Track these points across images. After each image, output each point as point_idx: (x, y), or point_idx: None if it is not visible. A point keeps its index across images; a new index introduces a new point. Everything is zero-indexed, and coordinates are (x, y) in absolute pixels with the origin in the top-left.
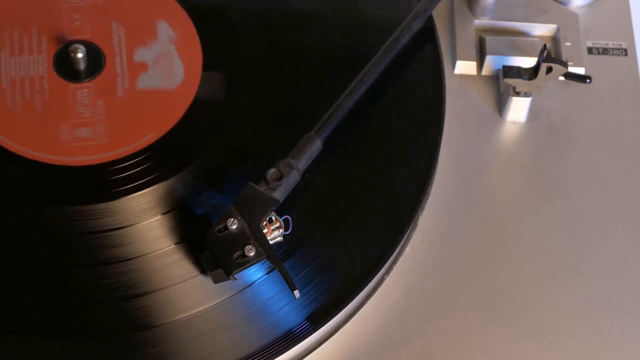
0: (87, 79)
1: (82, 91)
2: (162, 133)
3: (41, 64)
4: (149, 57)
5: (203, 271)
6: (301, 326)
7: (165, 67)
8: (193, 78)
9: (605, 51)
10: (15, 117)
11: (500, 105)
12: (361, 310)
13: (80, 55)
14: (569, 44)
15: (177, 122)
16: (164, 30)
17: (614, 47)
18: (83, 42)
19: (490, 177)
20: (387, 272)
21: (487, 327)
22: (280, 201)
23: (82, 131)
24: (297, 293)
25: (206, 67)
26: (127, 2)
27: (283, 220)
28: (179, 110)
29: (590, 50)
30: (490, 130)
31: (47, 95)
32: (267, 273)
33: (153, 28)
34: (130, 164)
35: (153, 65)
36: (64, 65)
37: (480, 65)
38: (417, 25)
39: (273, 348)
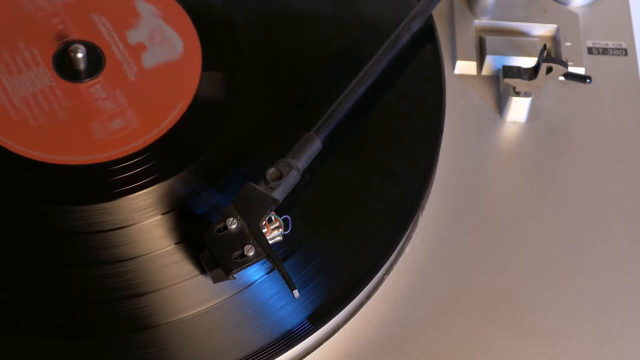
0: (95, 75)
1: (96, 87)
2: (189, 101)
3: (44, 74)
4: (143, 36)
5: (203, 271)
6: (301, 326)
7: (162, 40)
8: (192, 42)
9: (605, 51)
10: (43, 130)
11: (500, 105)
12: (361, 310)
13: (80, 55)
14: (569, 44)
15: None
16: (144, 7)
17: (614, 47)
18: (77, 42)
19: (490, 177)
20: (387, 272)
21: (487, 327)
22: (280, 201)
23: (113, 124)
24: (296, 293)
25: (206, 66)
26: None
27: (282, 220)
28: (193, 76)
29: (590, 50)
30: (490, 130)
31: (64, 101)
32: (267, 273)
33: (133, 9)
34: (130, 164)
35: (150, 43)
36: (66, 68)
37: (480, 65)
38: (417, 25)
39: (273, 348)
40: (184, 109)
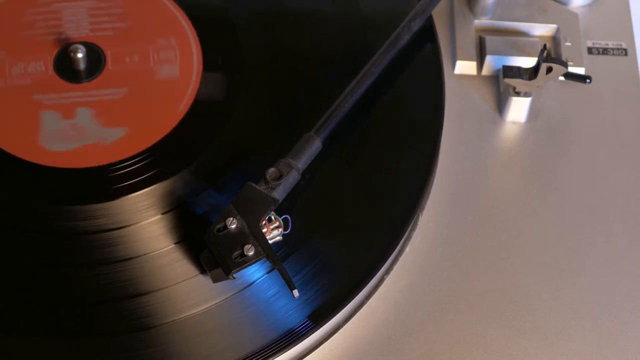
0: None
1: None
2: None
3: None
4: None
5: (203, 271)
6: (301, 326)
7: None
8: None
9: (605, 51)
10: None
11: (500, 105)
12: (361, 310)
13: (80, 55)
14: (569, 44)
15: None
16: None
17: (614, 47)
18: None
19: (490, 177)
20: (387, 272)
21: (487, 327)
22: (280, 201)
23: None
24: (296, 292)
25: (206, 67)
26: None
27: (282, 219)
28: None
29: (590, 50)
30: (490, 130)
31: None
32: (267, 273)
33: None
34: (130, 164)
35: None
36: (66, 68)
37: (480, 65)
38: (416, 25)
39: (273, 348)
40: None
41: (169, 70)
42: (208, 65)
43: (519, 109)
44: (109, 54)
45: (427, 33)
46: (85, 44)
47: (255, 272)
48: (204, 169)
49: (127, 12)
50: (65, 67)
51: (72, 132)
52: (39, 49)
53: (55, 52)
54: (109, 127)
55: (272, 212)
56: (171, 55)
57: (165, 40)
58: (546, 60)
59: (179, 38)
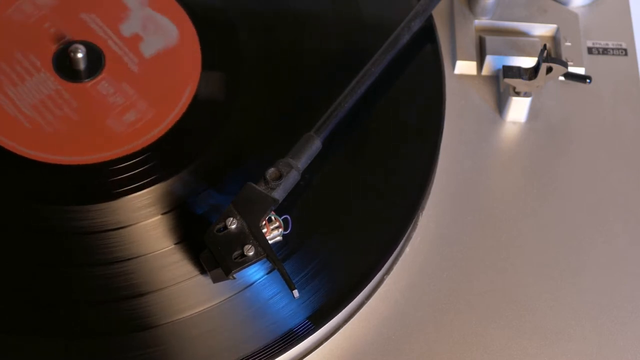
0: (96, 73)
1: (102, 84)
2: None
3: (48, 79)
4: (136, 27)
5: (203, 271)
6: (301, 326)
7: (156, 28)
8: (185, 25)
9: (605, 51)
10: (60, 134)
11: (500, 105)
12: (361, 310)
13: (80, 54)
14: (569, 44)
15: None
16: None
17: (614, 47)
18: (76, 42)
19: (490, 177)
20: (387, 272)
21: (487, 327)
22: (280, 201)
23: (128, 116)
24: (296, 293)
25: (206, 67)
26: None
27: (282, 219)
28: (195, 56)
29: (590, 50)
30: (490, 130)
31: (74, 102)
32: (267, 273)
33: (120, 2)
34: (130, 163)
35: (145, 32)
36: (67, 69)
37: (480, 65)
38: (416, 25)
39: (273, 348)
40: (184, 109)
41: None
42: (208, 64)
43: (519, 109)
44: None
45: (427, 33)
46: (85, 44)
47: (255, 273)
48: (204, 169)
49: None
50: (65, 67)
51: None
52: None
53: (54, 51)
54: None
55: (272, 212)
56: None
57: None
58: (546, 60)
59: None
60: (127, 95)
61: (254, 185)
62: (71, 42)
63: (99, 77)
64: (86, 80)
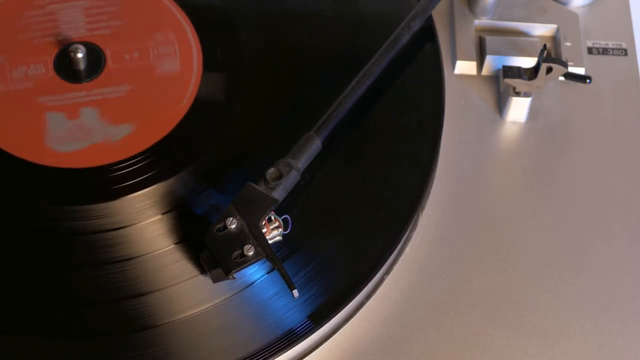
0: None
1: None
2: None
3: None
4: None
5: (203, 271)
6: (301, 326)
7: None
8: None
9: (605, 51)
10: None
11: (500, 105)
12: (361, 310)
13: (80, 54)
14: (569, 44)
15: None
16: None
17: (614, 47)
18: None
19: (490, 177)
20: (387, 272)
21: (487, 327)
22: (280, 201)
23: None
24: (295, 292)
25: (206, 67)
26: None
27: (282, 219)
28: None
29: (590, 50)
30: (490, 130)
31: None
32: (267, 273)
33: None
34: (130, 164)
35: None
36: (66, 68)
37: (480, 65)
38: (416, 25)
39: (273, 348)
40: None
41: (169, 69)
42: (208, 64)
43: (519, 109)
44: (108, 53)
45: (427, 33)
46: (85, 44)
47: (255, 273)
48: (204, 169)
49: (125, 11)
50: (65, 67)
51: (79, 132)
52: (39, 51)
53: (55, 53)
54: (114, 125)
55: (272, 212)
56: (171, 56)
57: (164, 39)
58: (546, 60)
59: (178, 37)
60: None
61: (254, 185)
62: (71, 42)
63: (95, 81)
64: (85, 80)
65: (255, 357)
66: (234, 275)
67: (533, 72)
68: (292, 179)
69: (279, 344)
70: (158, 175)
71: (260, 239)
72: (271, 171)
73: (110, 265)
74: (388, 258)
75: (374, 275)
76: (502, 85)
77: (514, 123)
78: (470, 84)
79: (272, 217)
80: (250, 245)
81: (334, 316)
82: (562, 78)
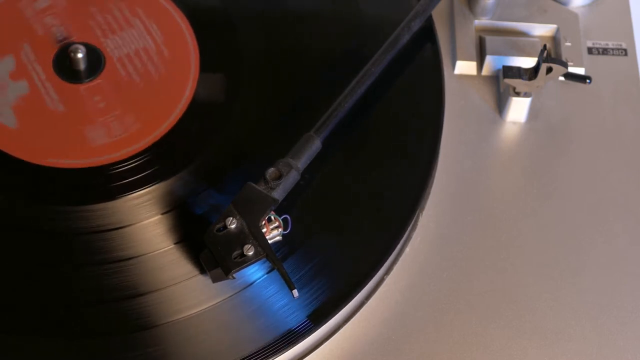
0: (94, 76)
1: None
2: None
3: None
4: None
5: (203, 271)
6: (301, 326)
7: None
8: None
9: (605, 51)
10: (43, 135)
11: (500, 105)
12: (361, 310)
13: (80, 55)
14: (569, 44)
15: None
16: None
17: (614, 47)
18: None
19: (490, 177)
20: (387, 272)
21: (487, 327)
22: (280, 200)
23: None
24: (295, 292)
25: (205, 67)
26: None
27: (282, 219)
28: (192, 76)
29: (590, 50)
30: (490, 130)
31: (61, 105)
32: (267, 273)
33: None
34: (130, 164)
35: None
36: (66, 68)
37: (480, 65)
38: (416, 25)
39: (273, 348)
40: (183, 110)
41: (169, 69)
42: (207, 64)
43: (519, 109)
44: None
45: (427, 33)
46: (85, 44)
47: (255, 272)
48: (204, 169)
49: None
50: (65, 67)
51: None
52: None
53: (54, 53)
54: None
55: (272, 212)
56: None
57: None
58: (546, 60)
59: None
60: (117, 104)
61: (254, 185)
62: (72, 43)
63: (94, 82)
64: (85, 81)
65: (255, 357)
66: (234, 275)
67: (533, 72)
68: (292, 178)
69: (278, 344)
70: (158, 175)
71: (260, 239)
72: (271, 171)
73: (110, 265)
74: (388, 258)
75: (374, 275)
76: (502, 85)
77: (514, 123)
78: (470, 84)
79: (272, 217)
80: (250, 245)
81: (333, 316)
82: (562, 78)
